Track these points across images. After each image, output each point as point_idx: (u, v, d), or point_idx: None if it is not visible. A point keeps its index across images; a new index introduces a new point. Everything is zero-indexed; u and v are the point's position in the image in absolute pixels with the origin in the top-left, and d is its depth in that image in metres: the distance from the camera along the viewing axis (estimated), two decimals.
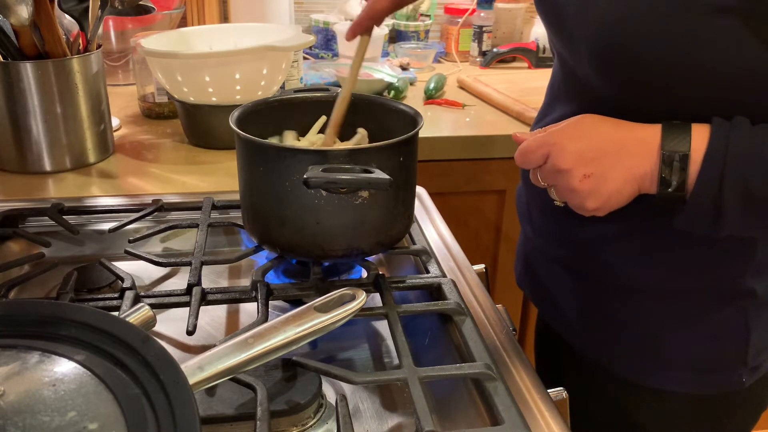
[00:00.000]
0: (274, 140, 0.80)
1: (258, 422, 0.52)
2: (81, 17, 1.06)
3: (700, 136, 0.59)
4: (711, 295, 0.70)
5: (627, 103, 0.64)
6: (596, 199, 0.62)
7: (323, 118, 0.81)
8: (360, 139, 0.80)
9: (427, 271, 0.75)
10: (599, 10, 0.62)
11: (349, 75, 0.77)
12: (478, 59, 1.81)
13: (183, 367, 0.45)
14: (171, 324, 0.70)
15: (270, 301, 0.68)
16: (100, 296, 0.70)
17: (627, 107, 0.63)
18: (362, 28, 0.77)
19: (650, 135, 0.60)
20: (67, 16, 1.08)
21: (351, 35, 0.78)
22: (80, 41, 1.07)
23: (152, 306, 0.55)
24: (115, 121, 1.23)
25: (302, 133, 0.82)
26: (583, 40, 0.64)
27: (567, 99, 0.75)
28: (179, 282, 0.81)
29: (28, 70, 0.98)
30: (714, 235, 0.61)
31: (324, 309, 0.56)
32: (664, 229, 0.68)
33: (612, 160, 0.61)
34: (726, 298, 0.70)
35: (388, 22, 1.82)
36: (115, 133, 1.19)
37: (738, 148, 0.57)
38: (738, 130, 0.58)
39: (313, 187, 0.64)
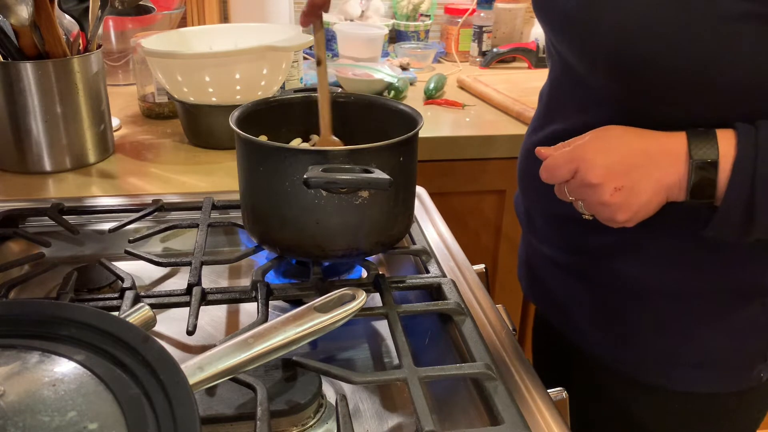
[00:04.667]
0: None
1: (258, 422, 0.52)
2: (81, 17, 1.06)
3: (726, 142, 0.58)
4: (730, 295, 0.70)
5: (641, 110, 0.63)
6: (626, 211, 0.61)
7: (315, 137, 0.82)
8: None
9: (427, 271, 0.75)
10: (616, 19, 0.61)
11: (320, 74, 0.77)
12: (478, 59, 1.81)
13: (183, 367, 0.45)
14: (171, 324, 0.70)
15: (270, 301, 0.68)
16: (100, 296, 0.70)
17: (641, 115, 0.63)
18: (311, 12, 0.76)
19: (677, 144, 0.60)
20: (67, 16, 1.08)
21: (304, 22, 0.77)
22: (80, 41, 1.07)
23: (152, 306, 0.55)
24: (115, 121, 1.23)
25: (302, 134, 0.82)
26: (599, 51, 0.63)
27: (575, 108, 0.73)
28: (179, 282, 0.81)
29: (28, 70, 0.98)
30: (744, 240, 0.61)
31: (324, 309, 0.56)
32: (678, 234, 0.68)
33: (641, 172, 0.60)
34: (746, 298, 0.70)
35: (388, 22, 1.82)
36: (115, 133, 1.19)
37: (767, 152, 0.57)
38: (764, 134, 0.58)
39: (313, 187, 0.64)
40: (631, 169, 0.61)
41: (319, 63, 0.76)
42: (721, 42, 0.57)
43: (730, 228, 0.60)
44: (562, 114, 0.76)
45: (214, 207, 0.88)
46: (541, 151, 0.67)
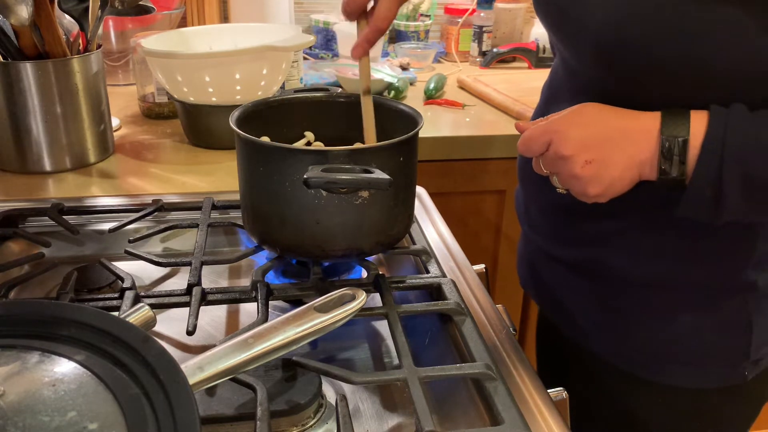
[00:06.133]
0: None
1: (258, 422, 0.52)
2: (81, 17, 1.06)
3: (698, 121, 0.59)
4: (713, 288, 0.71)
5: (630, 99, 0.64)
6: (598, 185, 0.62)
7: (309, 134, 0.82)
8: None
9: (427, 271, 0.75)
10: (603, 10, 0.62)
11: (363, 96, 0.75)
12: (478, 59, 1.81)
13: (183, 367, 0.45)
14: (171, 324, 0.70)
15: (270, 301, 0.68)
16: (100, 296, 0.70)
17: (630, 103, 0.64)
18: (371, 43, 0.73)
19: (651, 122, 0.61)
20: (67, 16, 1.08)
21: (361, 52, 0.73)
22: (80, 41, 1.07)
23: (152, 306, 0.55)
24: (115, 121, 1.23)
25: (302, 134, 0.82)
26: (588, 41, 0.65)
27: (568, 98, 0.75)
28: (179, 282, 0.81)
29: (28, 70, 0.98)
30: (715, 221, 0.61)
31: (324, 309, 0.56)
32: (663, 225, 0.69)
33: (613, 146, 0.62)
34: (728, 292, 0.71)
35: None
36: (115, 133, 1.19)
37: (736, 132, 0.58)
38: (736, 116, 0.59)
39: (313, 187, 0.64)
40: (603, 143, 0.62)
41: (366, 92, 0.74)
42: (701, 26, 0.57)
43: (700, 206, 0.61)
44: (558, 103, 0.77)
45: (214, 207, 0.88)
46: (519, 124, 0.69)
